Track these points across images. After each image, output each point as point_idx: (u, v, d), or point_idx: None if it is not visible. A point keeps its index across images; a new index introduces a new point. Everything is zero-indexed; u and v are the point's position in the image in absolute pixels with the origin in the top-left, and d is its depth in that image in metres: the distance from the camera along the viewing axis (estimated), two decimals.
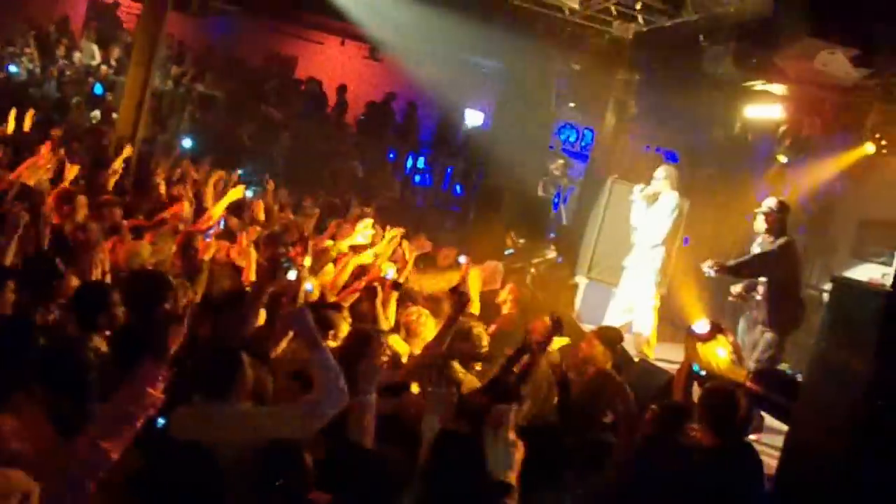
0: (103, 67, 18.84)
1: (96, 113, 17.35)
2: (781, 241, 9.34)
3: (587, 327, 10.20)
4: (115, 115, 15.09)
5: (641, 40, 14.00)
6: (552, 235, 15.79)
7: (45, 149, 9.82)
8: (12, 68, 17.81)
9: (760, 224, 9.47)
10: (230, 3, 19.74)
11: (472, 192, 19.15)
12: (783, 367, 10.07)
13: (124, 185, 11.33)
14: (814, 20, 8.60)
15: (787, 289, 9.41)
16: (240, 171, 13.48)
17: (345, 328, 6.59)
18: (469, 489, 4.21)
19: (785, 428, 6.58)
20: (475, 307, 8.77)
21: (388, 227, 10.11)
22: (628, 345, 10.00)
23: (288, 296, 6.52)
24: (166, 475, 3.84)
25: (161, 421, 4.12)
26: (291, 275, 6.52)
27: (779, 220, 9.39)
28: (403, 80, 20.18)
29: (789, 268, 9.43)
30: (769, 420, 8.17)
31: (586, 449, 5.75)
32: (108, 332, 5.60)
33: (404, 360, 7.20)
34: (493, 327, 8.74)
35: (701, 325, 8.17)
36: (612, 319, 10.91)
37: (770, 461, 6.25)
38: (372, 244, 9.82)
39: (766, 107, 12.94)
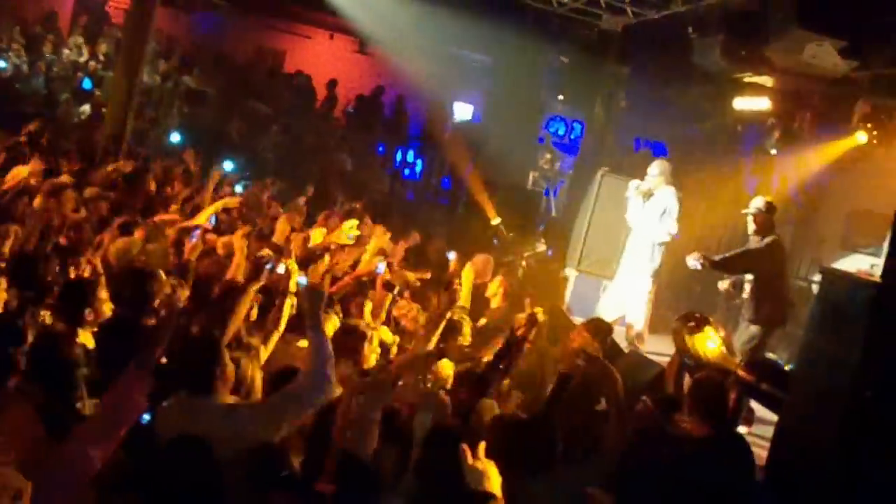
0: (91, 63, 18.77)
1: (86, 108, 17.27)
2: (768, 239, 9.37)
3: (577, 320, 10.20)
4: (104, 111, 15.04)
5: (630, 33, 14.02)
6: (542, 228, 15.79)
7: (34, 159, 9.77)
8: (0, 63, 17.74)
9: (750, 225, 9.51)
10: None
11: (462, 185, 19.14)
12: (772, 357, 10.11)
13: (114, 180, 11.29)
14: (802, 12, 8.62)
15: (773, 286, 9.44)
16: (229, 167, 13.42)
17: (334, 323, 6.61)
18: (460, 486, 4.22)
19: (775, 420, 6.60)
20: (466, 302, 8.78)
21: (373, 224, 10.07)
22: (619, 337, 10.02)
23: (278, 289, 6.52)
24: (166, 471, 3.85)
25: (146, 417, 4.12)
26: (280, 268, 6.53)
27: (766, 220, 9.42)
28: (392, 74, 20.15)
29: (775, 265, 9.45)
30: (760, 412, 8.20)
31: (578, 440, 5.75)
32: (95, 329, 5.61)
33: (393, 350, 7.23)
34: (482, 321, 8.74)
35: (689, 317, 8.19)
36: (604, 313, 10.93)
37: (761, 452, 6.27)
38: (360, 241, 9.80)
39: (755, 99, 12.96)
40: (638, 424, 5.88)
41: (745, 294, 9.58)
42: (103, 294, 5.86)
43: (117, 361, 4.08)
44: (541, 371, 7.75)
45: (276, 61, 22.79)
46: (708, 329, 7.94)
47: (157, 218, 9.26)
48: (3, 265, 6.47)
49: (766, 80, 12.46)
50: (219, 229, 9.84)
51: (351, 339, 6.16)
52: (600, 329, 8.02)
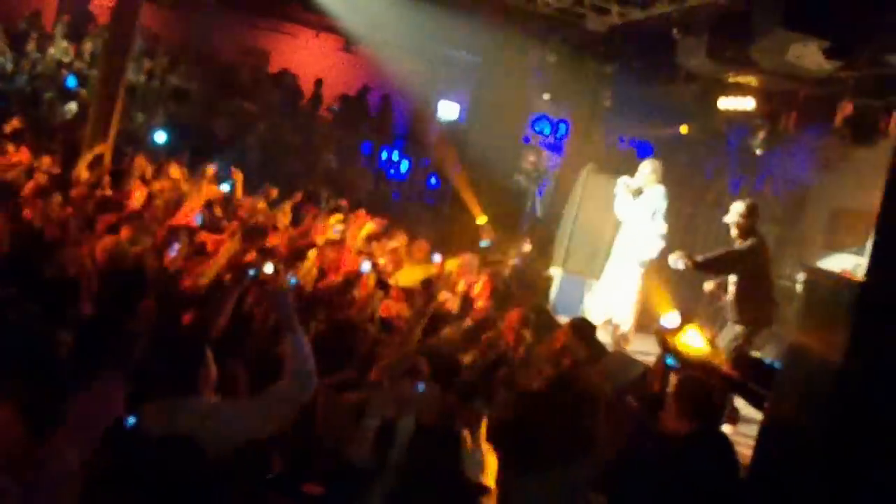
0: (76, 63, 18.68)
1: (72, 106, 17.19)
2: (751, 240, 9.41)
3: (562, 319, 10.23)
4: (88, 110, 14.98)
5: (616, 33, 14.03)
6: (526, 228, 15.81)
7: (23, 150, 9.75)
8: None
9: (733, 230, 9.55)
10: None
11: (448, 184, 19.13)
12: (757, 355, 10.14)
13: (99, 179, 11.26)
14: (787, 12, 8.64)
15: (756, 287, 9.47)
16: (214, 165, 13.38)
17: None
18: (445, 485, 4.23)
19: (760, 418, 6.62)
20: (453, 303, 8.80)
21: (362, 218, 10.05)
22: (604, 335, 10.05)
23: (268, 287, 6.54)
24: (154, 471, 3.85)
25: (131, 420, 4.12)
26: (268, 268, 6.57)
27: (747, 224, 9.46)
28: (378, 73, 20.12)
29: (757, 266, 9.49)
30: (745, 410, 8.23)
31: (567, 440, 5.78)
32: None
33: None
34: (468, 321, 8.76)
35: (671, 319, 8.22)
36: (592, 313, 10.97)
37: (746, 451, 6.29)
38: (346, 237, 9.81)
39: (740, 99, 12.99)
40: (624, 425, 5.91)
41: (730, 295, 9.61)
42: (86, 292, 5.86)
43: (97, 361, 4.07)
44: (526, 370, 7.77)
45: (261, 60, 22.74)
46: (692, 328, 7.99)
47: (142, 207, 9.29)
48: None
49: (751, 81, 12.49)
50: (206, 227, 9.85)
51: (341, 337, 6.18)
52: (585, 329, 8.04)
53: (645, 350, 10.14)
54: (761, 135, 13.19)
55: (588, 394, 6.58)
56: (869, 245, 4.97)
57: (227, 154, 17.10)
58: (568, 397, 6.49)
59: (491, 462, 4.09)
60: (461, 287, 9.59)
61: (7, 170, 9.19)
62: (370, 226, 9.88)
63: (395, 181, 20.59)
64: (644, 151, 15.63)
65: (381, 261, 9.75)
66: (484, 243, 14.00)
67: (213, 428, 4.53)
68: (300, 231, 10.43)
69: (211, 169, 11.41)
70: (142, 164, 11.91)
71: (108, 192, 10.52)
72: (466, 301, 9.71)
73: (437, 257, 10.34)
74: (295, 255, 9.19)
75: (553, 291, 12.85)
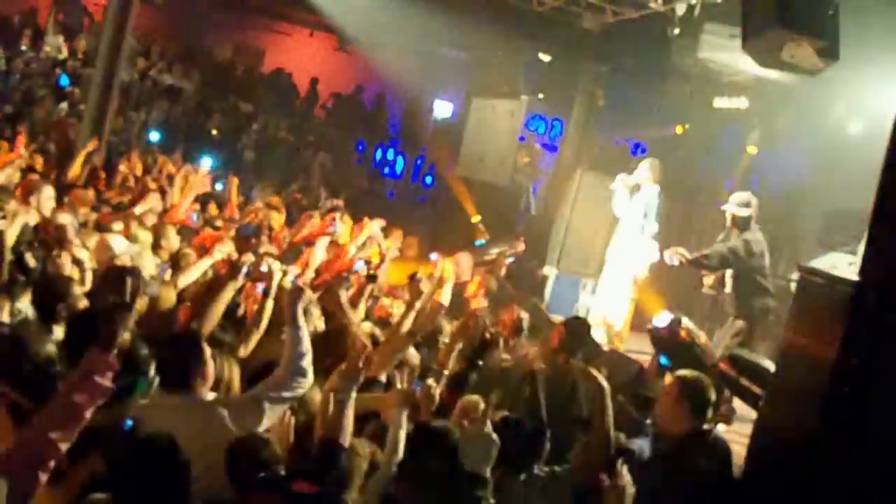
0: (70, 61, 18.64)
1: (64, 105, 17.17)
2: (746, 234, 9.42)
3: (556, 318, 10.22)
4: (82, 108, 14.96)
5: (610, 31, 14.04)
6: (521, 227, 15.80)
7: (18, 143, 9.73)
8: None
9: (728, 221, 9.55)
10: None
11: (442, 183, 19.13)
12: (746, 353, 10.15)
13: (93, 178, 11.24)
14: (781, 11, 8.64)
15: (753, 281, 9.48)
16: (208, 164, 13.36)
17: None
18: (442, 481, 4.22)
19: (754, 417, 6.63)
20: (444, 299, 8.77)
21: (365, 220, 10.00)
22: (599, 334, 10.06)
23: (264, 286, 6.53)
24: (129, 467, 3.84)
25: (129, 423, 4.11)
26: (264, 267, 6.57)
27: (742, 218, 9.46)
28: (372, 72, 20.12)
29: (754, 260, 9.49)
30: (740, 409, 8.23)
31: (554, 440, 5.77)
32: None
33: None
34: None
35: (662, 319, 8.22)
36: (593, 312, 10.99)
37: (740, 450, 6.29)
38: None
39: (735, 98, 13.01)
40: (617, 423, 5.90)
41: (728, 290, 9.63)
42: (77, 289, 5.85)
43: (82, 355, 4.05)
44: (520, 369, 7.75)
45: (255, 59, 22.73)
46: (685, 327, 7.99)
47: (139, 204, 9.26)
48: None
49: (746, 80, 12.50)
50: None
51: (336, 339, 6.17)
52: (578, 328, 8.04)
53: (640, 349, 10.13)
54: (756, 133, 13.21)
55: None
56: (863, 244, 4.96)
57: (221, 153, 17.12)
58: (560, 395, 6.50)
59: (493, 451, 4.09)
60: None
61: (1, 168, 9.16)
62: (372, 227, 9.77)
63: (389, 180, 20.60)
64: (638, 151, 15.64)
65: (375, 258, 9.72)
66: (478, 242, 14.00)
67: (206, 425, 4.54)
68: (295, 230, 10.41)
69: (204, 167, 11.39)
70: (136, 162, 11.91)
71: (102, 190, 10.52)
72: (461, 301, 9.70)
73: (434, 255, 10.32)
74: (291, 255, 9.18)
75: (547, 290, 12.85)
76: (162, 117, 18.28)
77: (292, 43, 22.58)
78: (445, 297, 7.98)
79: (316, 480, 4.15)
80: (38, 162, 9.98)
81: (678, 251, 9.64)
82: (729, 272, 9.54)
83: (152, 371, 4.69)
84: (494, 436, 4.53)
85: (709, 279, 10.03)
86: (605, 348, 10.09)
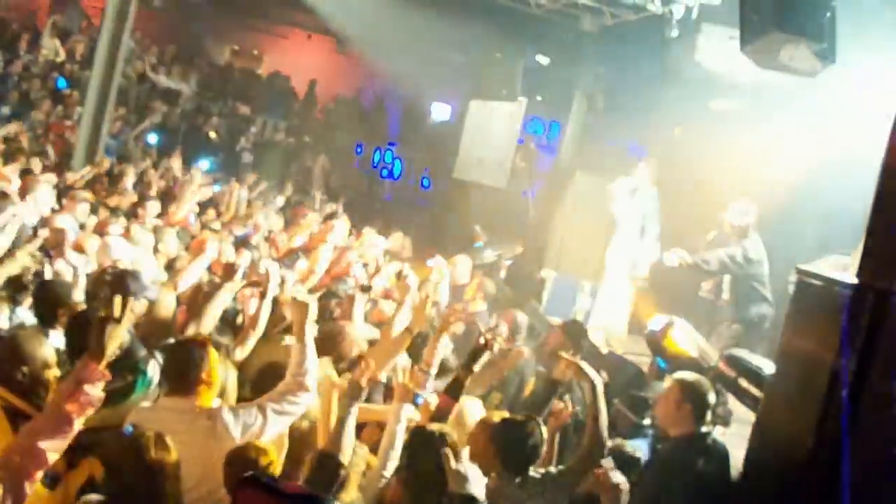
0: (67, 64, 18.64)
1: (61, 108, 17.16)
2: (745, 241, 9.43)
3: (555, 320, 10.21)
4: (79, 110, 14.96)
5: (609, 34, 14.04)
6: (519, 229, 15.79)
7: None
8: None
9: (726, 227, 9.56)
10: None
11: (440, 186, 19.13)
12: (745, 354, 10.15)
13: (95, 182, 11.26)
14: (779, 14, 8.65)
15: (751, 288, 9.49)
16: (206, 166, 13.38)
17: None
18: (443, 484, 4.22)
19: (752, 419, 6.62)
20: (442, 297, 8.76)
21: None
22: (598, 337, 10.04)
23: (261, 289, 6.52)
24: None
25: (129, 429, 4.10)
26: (262, 268, 6.58)
27: (741, 226, 9.47)
28: (371, 74, 20.12)
29: (752, 267, 9.50)
30: (737, 412, 8.22)
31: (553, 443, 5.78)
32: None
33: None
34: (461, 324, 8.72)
35: (657, 322, 8.22)
36: (592, 315, 10.98)
37: (738, 452, 6.29)
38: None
39: (732, 100, 13.00)
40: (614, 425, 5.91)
41: (725, 296, 9.64)
42: (77, 293, 5.85)
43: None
44: (519, 375, 7.75)
45: (253, 61, 22.73)
46: (681, 329, 7.98)
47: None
48: None
49: (744, 82, 12.49)
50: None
51: (330, 341, 6.16)
52: (576, 331, 8.04)
53: (638, 352, 10.12)
54: (752, 137, 13.19)
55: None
56: (860, 246, 4.96)
57: (219, 155, 17.11)
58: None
59: (476, 477, 4.08)
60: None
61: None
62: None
63: (387, 182, 20.59)
64: (636, 153, 15.62)
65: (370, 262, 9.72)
66: (477, 245, 13.98)
67: (209, 430, 4.52)
68: (290, 230, 10.42)
69: (202, 170, 11.40)
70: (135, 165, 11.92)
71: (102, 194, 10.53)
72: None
73: (433, 261, 10.27)
74: (289, 259, 9.18)
75: (545, 293, 12.84)
76: (160, 120, 18.27)
77: (290, 45, 22.60)
78: (443, 295, 7.97)
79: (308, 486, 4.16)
80: (37, 164, 9.96)
81: (678, 253, 9.64)
82: (727, 278, 9.55)
83: (151, 371, 4.69)
84: (473, 470, 4.46)
85: (707, 283, 10.05)
86: (604, 351, 10.08)
